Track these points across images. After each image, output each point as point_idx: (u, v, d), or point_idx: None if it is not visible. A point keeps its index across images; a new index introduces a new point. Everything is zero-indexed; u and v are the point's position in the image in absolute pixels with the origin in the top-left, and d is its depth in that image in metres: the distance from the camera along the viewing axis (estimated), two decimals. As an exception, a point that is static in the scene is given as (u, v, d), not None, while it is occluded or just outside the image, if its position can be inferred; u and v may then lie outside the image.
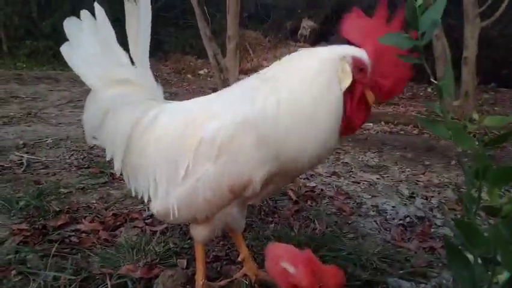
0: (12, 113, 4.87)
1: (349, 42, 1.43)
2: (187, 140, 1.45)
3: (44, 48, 10.11)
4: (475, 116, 0.94)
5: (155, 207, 1.55)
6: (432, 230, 2.50)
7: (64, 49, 1.61)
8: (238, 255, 1.88)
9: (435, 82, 1.07)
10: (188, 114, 1.54)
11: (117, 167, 1.63)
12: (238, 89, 1.54)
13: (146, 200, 1.59)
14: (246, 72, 9.62)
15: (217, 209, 1.49)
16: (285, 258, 1.51)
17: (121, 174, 1.68)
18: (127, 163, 1.62)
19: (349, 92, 1.40)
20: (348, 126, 1.44)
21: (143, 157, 1.56)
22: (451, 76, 1.11)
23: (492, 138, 0.93)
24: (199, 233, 1.61)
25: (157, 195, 1.53)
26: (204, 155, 1.42)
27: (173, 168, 1.47)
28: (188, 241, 2.10)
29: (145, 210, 2.45)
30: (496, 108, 7.24)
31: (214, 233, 1.59)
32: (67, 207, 2.41)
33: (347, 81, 1.39)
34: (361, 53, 1.38)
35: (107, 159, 1.67)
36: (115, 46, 1.63)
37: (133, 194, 1.65)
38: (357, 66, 1.38)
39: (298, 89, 1.38)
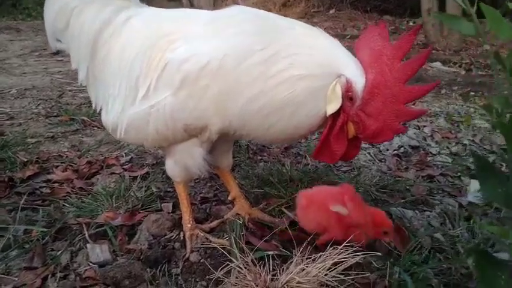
0: (-30, 65, 4.48)
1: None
2: (155, 56, 1.24)
3: (1, -3, 9.33)
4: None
5: (108, 120, 1.40)
6: (428, 158, 2.39)
7: None
8: (228, 195, 1.73)
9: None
10: (165, 24, 1.32)
11: (81, 76, 1.46)
12: (232, 17, 1.30)
13: (103, 114, 1.43)
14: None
15: (168, 143, 1.35)
16: (332, 202, 1.36)
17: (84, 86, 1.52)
18: (91, 71, 1.43)
19: (331, 116, 1.22)
20: (327, 151, 1.27)
21: (106, 65, 1.37)
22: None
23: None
24: (170, 169, 1.46)
25: (113, 108, 1.36)
26: (165, 81, 1.22)
27: (133, 85, 1.29)
28: (172, 184, 1.93)
29: (123, 156, 2.26)
30: (480, 39, 7.05)
31: (188, 172, 1.42)
32: (36, 157, 2.19)
33: (334, 106, 1.20)
34: (358, 79, 1.17)
35: (73, 67, 1.48)
36: None
37: (93, 106, 1.49)
38: (347, 92, 1.18)
39: (279, 78, 1.17)
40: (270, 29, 1.24)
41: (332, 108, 1.20)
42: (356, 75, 1.18)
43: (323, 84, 1.19)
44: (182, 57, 1.20)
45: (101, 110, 1.45)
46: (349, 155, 1.29)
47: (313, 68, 1.19)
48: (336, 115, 1.22)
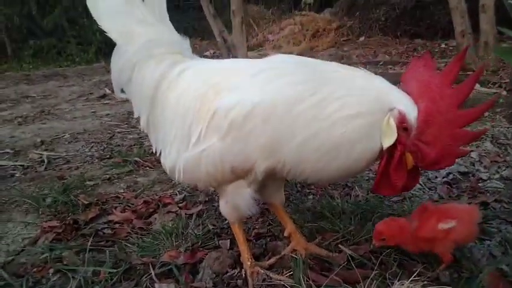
0: (25, 113, 4.79)
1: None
2: (204, 105, 1.36)
3: (47, 46, 9.93)
4: None
5: (166, 163, 1.52)
6: (479, 184, 2.35)
7: (90, 2, 1.58)
8: (281, 231, 1.77)
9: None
10: (213, 76, 1.43)
11: (143, 123, 1.61)
12: (277, 69, 1.38)
13: (162, 158, 1.55)
14: (253, 48, 9.40)
15: (218, 184, 1.44)
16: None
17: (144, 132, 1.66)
18: (151, 119, 1.58)
19: (387, 149, 1.27)
20: (387, 184, 1.32)
21: (164, 115, 1.51)
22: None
23: None
24: (223, 209, 1.54)
25: (170, 153, 1.49)
26: (214, 127, 1.33)
27: (186, 132, 1.41)
28: (227, 221, 1.99)
29: (177, 194, 2.36)
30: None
31: (240, 212, 1.50)
32: (96, 199, 2.32)
33: (391, 139, 1.26)
34: (410, 110, 1.23)
35: (135, 116, 1.64)
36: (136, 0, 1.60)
37: (154, 150, 1.62)
38: (401, 123, 1.24)
39: (333, 118, 1.24)
40: (316, 76, 1.32)
41: (389, 141, 1.24)
42: (407, 106, 1.23)
43: (375, 120, 1.24)
44: (228, 104, 1.30)
45: (160, 153, 1.56)
46: (408, 186, 1.31)
47: (365, 106, 1.25)
48: (392, 148, 1.26)
